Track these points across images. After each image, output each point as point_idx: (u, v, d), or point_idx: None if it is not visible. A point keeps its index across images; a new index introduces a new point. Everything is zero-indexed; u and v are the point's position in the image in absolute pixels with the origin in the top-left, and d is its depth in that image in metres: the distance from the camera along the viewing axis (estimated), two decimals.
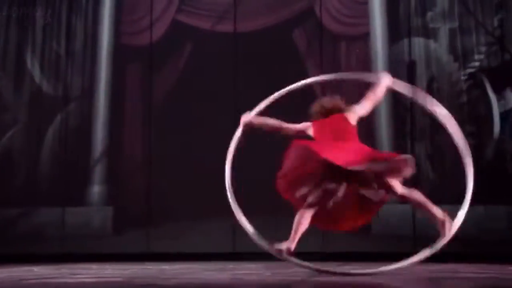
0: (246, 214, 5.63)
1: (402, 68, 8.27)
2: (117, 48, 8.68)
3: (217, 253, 8.04)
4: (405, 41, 8.30)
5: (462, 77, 8.19)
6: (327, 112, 5.45)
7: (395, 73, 8.22)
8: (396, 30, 8.32)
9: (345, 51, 8.37)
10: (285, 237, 5.18)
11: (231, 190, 5.72)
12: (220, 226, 8.17)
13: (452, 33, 8.30)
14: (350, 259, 7.72)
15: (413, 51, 8.27)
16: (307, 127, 5.50)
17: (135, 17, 8.73)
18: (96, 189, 8.43)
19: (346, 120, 5.38)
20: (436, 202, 5.95)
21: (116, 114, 8.60)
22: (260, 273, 5.84)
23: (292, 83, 8.47)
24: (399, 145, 8.10)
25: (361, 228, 7.80)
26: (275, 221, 7.67)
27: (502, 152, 8.03)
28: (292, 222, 5.23)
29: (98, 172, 8.46)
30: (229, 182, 5.75)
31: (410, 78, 8.26)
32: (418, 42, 8.27)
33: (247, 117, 5.74)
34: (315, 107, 5.56)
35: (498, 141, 8.06)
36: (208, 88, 8.46)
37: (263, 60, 8.41)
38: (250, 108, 8.38)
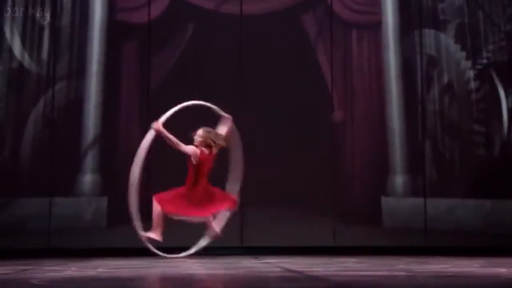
0: None
1: (413, 59, 8.08)
2: (112, 24, 7.94)
3: (223, 247, 7.59)
4: (416, 32, 8.09)
5: (472, 71, 8.09)
6: (211, 145, 6.52)
7: (406, 64, 8.17)
8: (408, 21, 8.11)
9: (356, 38, 8.08)
10: None
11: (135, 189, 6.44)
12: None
13: (461, 26, 8.17)
14: (363, 253, 7.53)
15: (424, 42, 8.08)
16: (195, 153, 6.45)
17: None
18: (88, 178, 7.69)
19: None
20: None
21: (111, 96, 7.86)
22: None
23: (302, 69, 8.23)
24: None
25: (373, 222, 7.78)
26: None
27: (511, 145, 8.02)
28: None
29: (90, 159, 7.72)
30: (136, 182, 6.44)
31: (420, 67, 8.09)
32: (429, 33, 8.10)
33: (157, 124, 6.47)
34: (204, 137, 6.49)
35: (507, 134, 8.03)
36: (210, 72, 7.93)
37: (270, 45, 7.98)
38: (254, 91, 8.07)
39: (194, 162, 6.44)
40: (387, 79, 8.02)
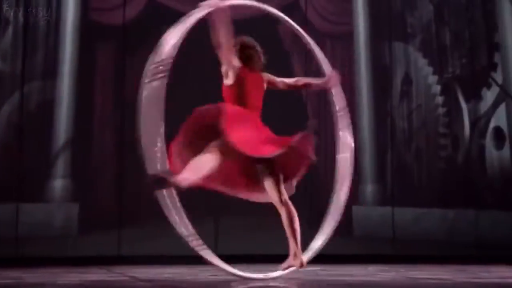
0: None
1: (383, 71, 8.27)
2: (85, 24, 7.65)
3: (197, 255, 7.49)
4: (387, 44, 8.28)
5: (437, 84, 8.37)
6: (250, 59, 5.32)
7: (375, 74, 8.35)
8: (378, 32, 8.27)
9: (329, 47, 8.16)
10: None
11: None
12: (201, 227, 7.63)
13: (428, 41, 8.42)
14: (332, 261, 7.64)
15: (393, 53, 8.28)
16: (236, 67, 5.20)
17: None
18: (58, 183, 7.37)
19: (262, 84, 5.38)
20: None
21: (84, 99, 7.58)
22: None
23: (276, 74, 8.17)
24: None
25: (344, 231, 7.91)
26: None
27: (472, 158, 8.33)
28: None
29: (61, 164, 7.40)
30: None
31: (389, 79, 8.28)
32: (398, 45, 8.29)
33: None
34: (241, 45, 5.32)
35: (468, 147, 8.35)
36: (188, 75, 7.76)
37: None
38: None
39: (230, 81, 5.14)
40: (358, 89, 8.18)
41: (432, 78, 8.39)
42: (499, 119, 8.49)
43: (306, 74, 8.08)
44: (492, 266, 6.82)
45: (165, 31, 7.93)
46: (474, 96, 8.37)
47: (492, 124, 8.48)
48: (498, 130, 8.50)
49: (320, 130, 8.07)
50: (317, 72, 8.28)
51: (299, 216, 7.66)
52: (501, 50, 8.42)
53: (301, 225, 5.51)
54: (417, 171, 8.20)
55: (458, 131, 8.35)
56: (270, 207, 8.08)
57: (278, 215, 7.86)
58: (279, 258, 7.76)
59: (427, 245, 7.97)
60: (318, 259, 7.74)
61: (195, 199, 7.74)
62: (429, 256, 7.76)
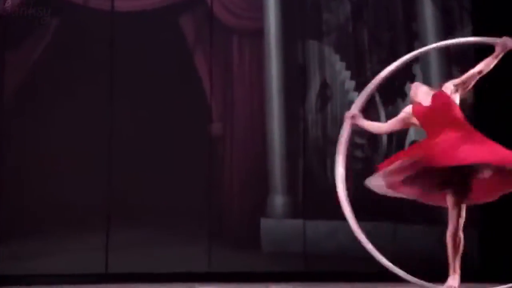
0: None
1: (295, 70, 7.65)
2: None
3: (86, 274, 6.76)
4: (299, 42, 7.68)
5: (354, 91, 7.81)
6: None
7: (287, 75, 7.76)
8: (291, 30, 7.65)
9: (237, 45, 7.50)
10: None
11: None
12: (90, 243, 6.88)
13: (345, 40, 7.86)
14: (237, 280, 7.04)
15: (307, 53, 7.69)
16: (408, 115, 4.86)
17: None
18: None
19: (449, 102, 4.64)
20: None
21: None
22: None
23: (177, 72, 7.57)
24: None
25: (250, 246, 7.32)
26: None
27: None
28: None
29: None
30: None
31: (303, 81, 7.69)
32: (312, 44, 7.70)
33: (356, 118, 5.14)
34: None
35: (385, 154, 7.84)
36: (77, 73, 7.06)
37: (144, 46, 7.20)
38: (125, 98, 7.29)
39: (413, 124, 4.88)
40: (268, 91, 7.52)
41: (349, 84, 7.86)
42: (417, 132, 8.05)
43: (210, 72, 7.44)
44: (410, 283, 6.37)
45: (55, 23, 7.29)
46: (394, 95, 7.87)
47: (409, 139, 8.04)
48: None
49: (225, 134, 7.46)
50: (225, 70, 7.75)
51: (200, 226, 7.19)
52: (420, 39, 7.92)
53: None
54: (331, 182, 7.62)
55: (374, 141, 7.82)
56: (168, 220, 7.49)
57: (174, 230, 7.28)
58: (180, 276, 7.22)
59: (341, 261, 7.40)
60: (220, 277, 7.19)
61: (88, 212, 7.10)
62: (342, 273, 7.25)
